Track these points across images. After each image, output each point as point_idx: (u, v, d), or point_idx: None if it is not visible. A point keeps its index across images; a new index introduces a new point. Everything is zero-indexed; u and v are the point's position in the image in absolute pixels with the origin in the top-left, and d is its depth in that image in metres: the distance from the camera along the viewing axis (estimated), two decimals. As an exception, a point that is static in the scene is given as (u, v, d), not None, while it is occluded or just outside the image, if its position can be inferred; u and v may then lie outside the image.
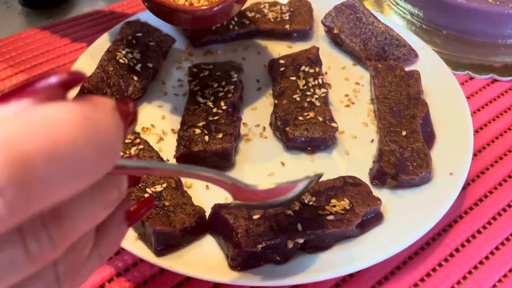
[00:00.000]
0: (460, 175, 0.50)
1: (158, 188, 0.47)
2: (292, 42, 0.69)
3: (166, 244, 0.43)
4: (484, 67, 0.68)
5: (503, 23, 0.68)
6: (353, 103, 0.61)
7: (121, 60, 0.60)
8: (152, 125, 0.57)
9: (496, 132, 0.60)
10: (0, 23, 0.78)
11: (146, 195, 0.46)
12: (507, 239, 0.50)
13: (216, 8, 0.53)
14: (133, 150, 0.50)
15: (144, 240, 0.45)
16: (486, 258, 0.49)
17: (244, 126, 0.58)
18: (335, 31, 0.66)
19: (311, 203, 0.46)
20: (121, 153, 0.50)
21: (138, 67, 0.60)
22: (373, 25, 0.65)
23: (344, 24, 0.66)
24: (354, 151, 0.56)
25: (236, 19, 0.68)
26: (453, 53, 0.70)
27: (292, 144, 0.55)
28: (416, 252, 0.49)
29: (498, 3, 0.67)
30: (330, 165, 0.54)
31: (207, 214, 0.47)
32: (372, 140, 0.56)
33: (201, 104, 0.56)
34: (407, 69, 0.61)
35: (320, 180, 0.49)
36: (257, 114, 0.60)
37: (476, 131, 0.60)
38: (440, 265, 0.48)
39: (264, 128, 0.58)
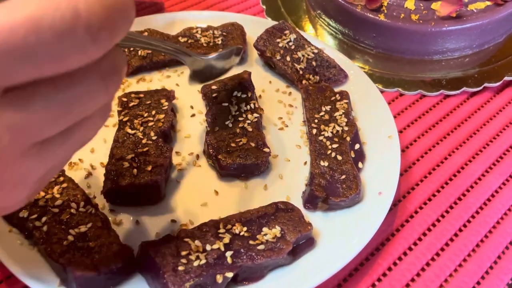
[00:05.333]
0: (388, 194, 0.51)
1: (83, 228, 0.45)
2: (226, 66, 0.69)
3: (90, 289, 0.42)
4: (413, 83, 0.70)
5: (428, 40, 0.71)
6: (287, 126, 0.61)
7: (45, 93, 0.57)
8: (80, 159, 0.55)
9: (425, 148, 0.62)
10: None
11: (70, 237, 0.44)
12: (437, 254, 0.51)
13: None
14: (55, 190, 0.48)
15: (67, 286, 0.42)
16: (417, 275, 0.50)
17: (177, 155, 0.57)
18: (267, 54, 0.66)
19: (242, 233, 0.46)
20: (43, 193, 0.47)
21: (64, 99, 0.58)
22: (303, 47, 0.66)
23: (276, 47, 0.66)
24: (288, 174, 0.56)
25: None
26: (383, 71, 0.72)
27: (225, 172, 0.54)
28: (350, 274, 0.49)
29: (421, 21, 0.70)
30: (264, 191, 0.54)
31: (136, 252, 0.46)
32: (305, 163, 0.57)
33: (130, 136, 0.55)
34: (337, 89, 0.63)
35: (253, 207, 0.49)
36: (191, 142, 0.59)
37: (406, 147, 0.62)
38: (373, 285, 0.49)
39: (198, 156, 0.57)
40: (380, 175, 0.53)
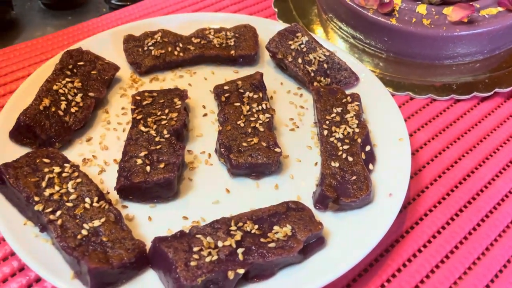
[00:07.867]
0: (399, 196, 0.51)
1: (96, 223, 0.46)
2: (238, 67, 0.70)
3: (103, 282, 0.42)
4: (423, 87, 0.70)
5: (439, 45, 0.71)
6: (298, 127, 0.62)
7: (60, 90, 0.58)
8: (93, 156, 0.56)
9: (435, 151, 0.62)
10: None
11: (84, 231, 0.45)
12: (447, 256, 0.52)
13: None
14: (70, 185, 0.48)
15: (80, 279, 0.43)
16: (427, 277, 0.50)
17: (189, 153, 0.58)
18: (279, 56, 0.67)
19: (253, 231, 0.46)
20: (57, 188, 0.48)
21: (78, 97, 0.59)
22: (315, 50, 0.67)
23: (288, 49, 0.67)
24: (299, 175, 0.56)
25: (181, 45, 0.68)
26: (394, 75, 0.72)
27: (236, 171, 0.55)
28: (360, 274, 0.50)
29: (433, 26, 0.70)
30: (275, 190, 0.54)
31: (149, 247, 0.46)
32: (316, 163, 0.57)
33: (144, 133, 0.55)
34: (348, 92, 0.63)
35: (264, 206, 0.49)
36: (203, 140, 0.59)
37: (416, 150, 0.62)
38: (382, 286, 0.49)
39: (210, 155, 0.58)
40: (391, 177, 0.54)
